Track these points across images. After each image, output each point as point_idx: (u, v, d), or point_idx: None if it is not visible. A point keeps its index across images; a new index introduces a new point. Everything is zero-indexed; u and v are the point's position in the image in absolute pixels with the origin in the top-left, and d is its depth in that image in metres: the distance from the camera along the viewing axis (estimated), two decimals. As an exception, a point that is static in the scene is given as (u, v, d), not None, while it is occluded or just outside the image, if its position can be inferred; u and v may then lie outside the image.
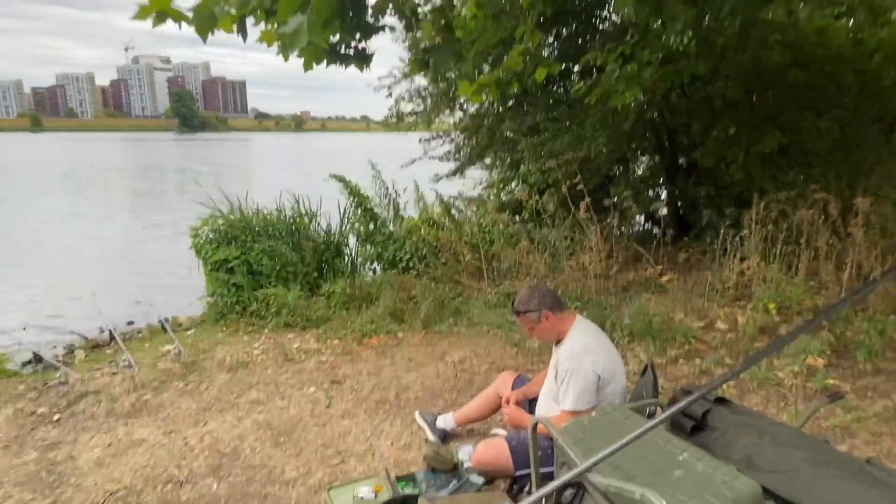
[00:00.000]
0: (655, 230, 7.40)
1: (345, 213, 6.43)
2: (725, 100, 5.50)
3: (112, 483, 2.69)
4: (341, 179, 6.34)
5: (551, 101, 7.04)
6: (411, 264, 5.95)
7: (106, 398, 3.62)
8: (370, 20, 2.44)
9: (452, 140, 8.74)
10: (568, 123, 6.48)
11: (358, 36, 2.47)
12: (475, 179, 9.07)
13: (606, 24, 7.23)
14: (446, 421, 2.87)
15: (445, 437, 2.84)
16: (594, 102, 4.27)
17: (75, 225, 15.12)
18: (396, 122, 8.63)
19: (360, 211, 6.34)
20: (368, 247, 6.35)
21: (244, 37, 2.05)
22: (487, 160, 8.65)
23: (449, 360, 4.00)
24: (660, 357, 3.86)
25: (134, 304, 6.73)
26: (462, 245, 5.82)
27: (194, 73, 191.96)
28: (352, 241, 6.49)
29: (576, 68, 7.32)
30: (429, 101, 8.27)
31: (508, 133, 7.64)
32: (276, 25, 2.09)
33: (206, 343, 4.58)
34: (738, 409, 2.01)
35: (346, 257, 6.43)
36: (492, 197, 7.77)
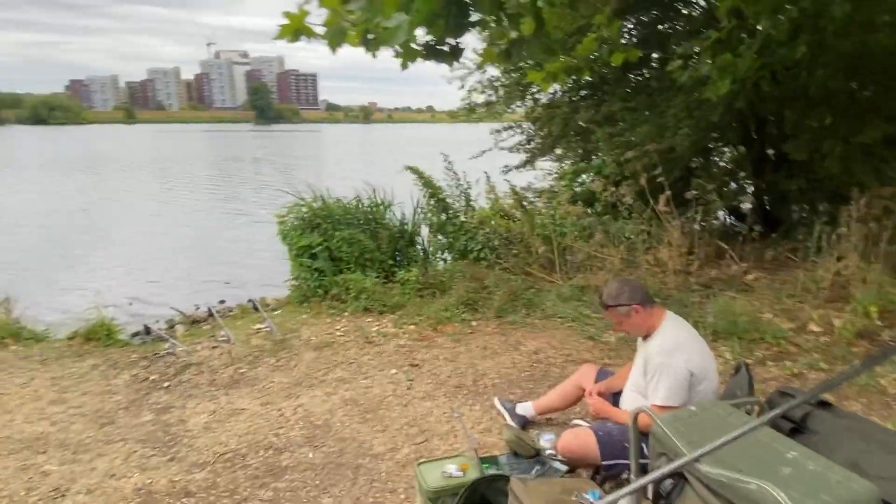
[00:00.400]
0: (739, 226, 7.04)
1: (418, 203, 6.59)
2: (824, 88, 5.13)
3: (219, 446, 2.97)
4: (416, 171, 6.48)
5: (629, 89, 6.84)
6: (482, 255, 6.02)
7: (207, 369, 3.97)
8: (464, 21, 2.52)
9: (523, 131, 8.68)
10: (647, 113, 6.28)
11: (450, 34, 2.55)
12: (546, 170, 8.98)
13: (692, 7, 6.92)
14: (526, 409, 2.93)
15: (525, 424, 2.90)
16: (684, 80, 4.11)
17: (165, 210, 16.41)
18: (469, 113, 8.68)
19: (432, 201, 6.46)
20: (440, 237, 6.47)
21: (371, 50, 2.20)
22: (559, 151, 8.54)
23: (524, 350, 4.05)
24: (746, 358, 3.71)
25: (223, 284, 7.26)
26: (534, 237, 5.82)
27: (270, 66, 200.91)
28: (424, 230, 6.65)
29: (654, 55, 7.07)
30: (500, 91, 8.25)
31: (582, 123, 7.50)
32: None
33: (292, 323, 4.89)
34: (842, 414, 1.94)
35: (419, 246, 6.61)
36: (563, 188, 7.67)
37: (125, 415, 3.42)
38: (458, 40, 2.55)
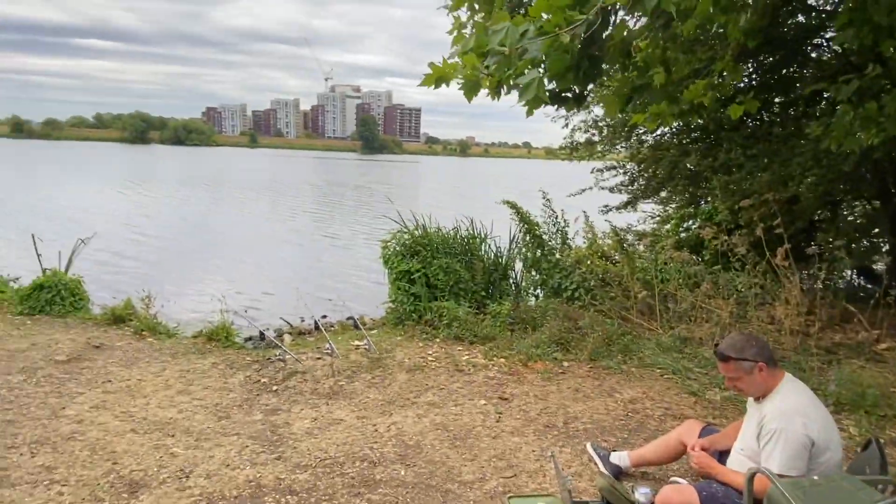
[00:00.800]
0: (871, 288, 6.33)
1: (513, 237, 6.67)
2: None
3: (320, 451, 3.17)
4: (513, 205, 6.59)
5: (746, 136, 6.51)
6: (577, 294, 5.93)
7: (311, 378, 4.26)
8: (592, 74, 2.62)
9: (626, 171, 8.52)
10: (767, 160, 5.93)
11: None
12: (648, 213, 8.71)
13: (821, 51, 6.50)
14: (621, 458, 2.84)
15: (619, 474, 2.81)
16: (833, 147, 3.89)
17: (277, 227, 17.88)
18: (571, 152, 8.70)
19: (528, 237, 6.51)
20: (534, 272, 6.48)
21: (497, 97, 2.39)
22: (664, 194, 8.26)
23: (619, 397, 3.92)
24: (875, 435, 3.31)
25: (326, 300, 7.76)
26: (633, 280, 5.65)
27: (378, 100, 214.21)
28: (518, 265, 6.69)
29: (777, 100, 6.67)
30: (604, 131, 8.20)
31: (691, 167, 7.23)
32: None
33: (387, 343, 5.11)
34: None
35: (512, 280, 6.65)
36: (668, 232, 7.38)
37: (239, 411, 3.76)
38: (581, 89, 2.65)
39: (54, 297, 5.92)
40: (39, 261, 6.75)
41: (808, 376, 4.00)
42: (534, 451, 3.15)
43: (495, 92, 2.29)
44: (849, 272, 6.73)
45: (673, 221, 7.69)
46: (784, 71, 6.62)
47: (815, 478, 1.50)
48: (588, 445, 3.07)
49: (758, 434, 2.14)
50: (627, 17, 2.76)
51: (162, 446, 3.21)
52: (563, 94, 2.57)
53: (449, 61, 2.11)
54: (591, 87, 2.64)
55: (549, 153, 9.55)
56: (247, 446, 3.25)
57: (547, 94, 2.33)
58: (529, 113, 2.32)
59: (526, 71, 2.01)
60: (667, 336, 4.96)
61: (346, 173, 55.54)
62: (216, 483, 2.83)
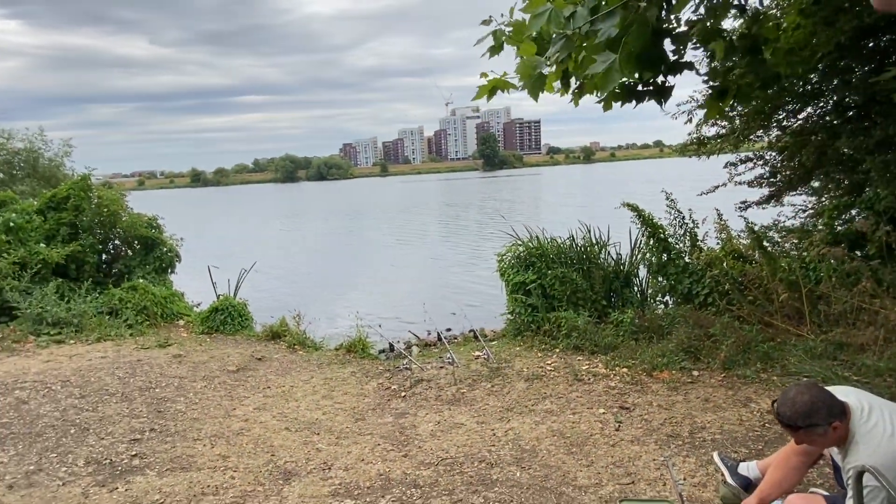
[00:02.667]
0: None
1: (636, 242, 6.42)
2: None
3: (442, 451, 3.40)
4: (634, 208, 6.34)
5: (914, 107, 5.59)
6: (710, 300, 5.52)
7: (435, 386, 4.55)
8: (672, 55, 2.51)
9: (766, 162, 7.72)
10: (940, 134, 5.05)
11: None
12: (796, 206, 7.78)
13: None
14: (749, 469, 2.64)
15: (748, 485, 2.61)
16: None
17: (405, 246, 19.01)
18: (697, 148, 8.13)
19: (651, 241, 6.22)
20: (660, 278, 6.16)
21: (567, 88, 2.34)
22: (815, 183, 7.34)
23: (755, 408, 3.61)
24: None
25: (450, 314, 8.12)
26: (776, 282, 5.12)
27: (497, 117, 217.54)
28: (642, 271, 6.41)
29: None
30: (737, 121, 7.54)
31: (846, 150, 6.36)
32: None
33: (506, 354, 5.25)
34: None
35: (636, 287, 6.39)
36: (821, 227, 6.54)
37: (372, 414, 4.16)
38: (665, 79, 2.55)
39: (226, 318, 7.02)
40: (214, 288, 8.05)
41: None
42: (654, 459, 3.05)
43: (566, 85, 2.26)
44: None
45: (827, 213, 6.80)
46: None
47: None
48: (715, 455, 2.89)
49: (845, 476, 1.88)
50: None
51: (309, 442, 3.69)
52: (642, 89, 2.45)
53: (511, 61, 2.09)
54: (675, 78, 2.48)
55: (680, 151, 8.96)
56: (378, 444, 3.59)
57: (618, 90, 2.27)
58: (607, 107, 2.30)
59: (598, 57, 1.90)
60: (818, 342, 4.42)
61: (466, 192, 57.05)
62: (352, 475, 3.19)
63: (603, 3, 1.88)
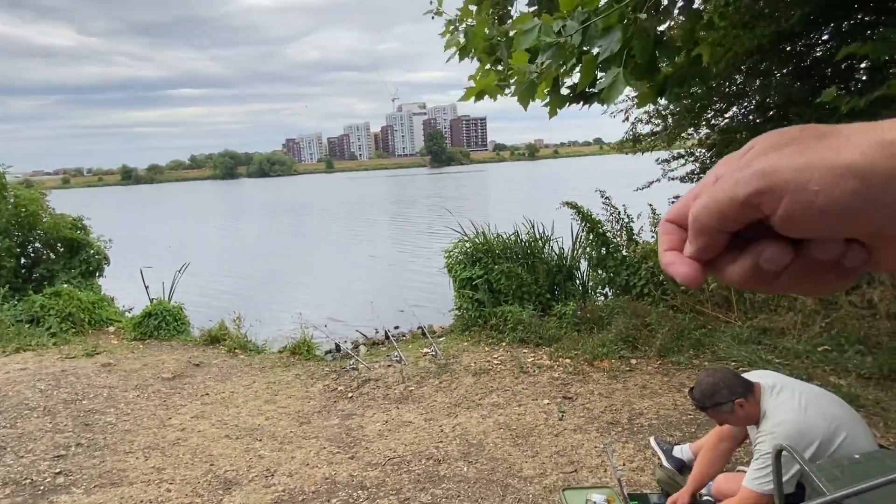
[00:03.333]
0: None
1: (577, 237, 6.61)
2: None
3: (389, 451, 3.37)
4: (573, 206, 6.53)
5: (827, 108, 6.05)
6: (646, 290, 5.77)
7: (382, 385, 4.51)
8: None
9: (697, 159, 8.15)
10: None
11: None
12: (724, 201, 8.26)
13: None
14: (683, 451, 2.78)
15: (682, 467, 2.75)
16: (846, 112, 3.58)
17: (352, 244, 18.75)
18: (633, 145, 8.47)
19: (591, 236, 6.43)
20: (600, 271, 6.38)
21: (559, 105, 2.36)
22: (740, 180, 7.81)
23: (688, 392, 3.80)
24: None
25: (398, 312, 8.08)
26: (706, 272, 5.41)
27: (444, 114, 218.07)
28: (583, 265, 6.61)
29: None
30: (669, 119, 7.92)
31: (766, 147, 6.80)
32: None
33: (454, 349, 5.27)
34: None
35: (577, 280, 6.59)
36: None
37: (318, 417, 4.07)
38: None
39: (160, 322, 6.66)
40: (147, 291, 7.63)
41: (905, 363, 3.67)
42: (595, 447, 3.15)
43: (552, 94, 2.29)
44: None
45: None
46: (868, 31, 6.11)
47: (857, 456, 1.45)
48: (651, 440, 3.03)
49: (755, 448, 2.05)
50: None
51: (251, 449, 3.56)
52: (588, 91, 2.52)
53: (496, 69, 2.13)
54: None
55: (619, 149, 9.30)
56: (324, 448, 3.52)
57: (563, 93, 2.34)
58: (552, 114, 2.36)
59: (607, 73, 1.93)
60: (744, 328, 4.72)
61: (414, 189, 56.94)
62: (297, 480, 3.10)
63: (594, 17, 1.91)
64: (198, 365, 5.43)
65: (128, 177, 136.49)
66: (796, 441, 1.93)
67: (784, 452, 1.43)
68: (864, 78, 6.25)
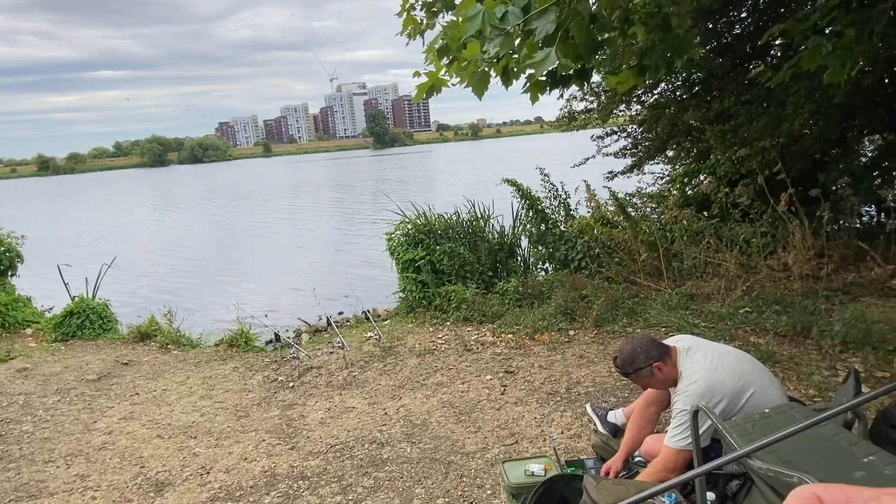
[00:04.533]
0: (891, 222, 6.15)
1: (517, 215, 6.69)
2: None
3: (331, 438, 3.32)
4: (513, 183, 6.60)
5: (745, 83, 6.37)
6: (583, 264, 5.94)
7: (325, 372, 4.42)
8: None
9: (629, 135, 8.41)
10: (765, 105, 5.80)
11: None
12: (655, 174, 8.59)
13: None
14: (616, 416, 2.88)
15: (616, 431, 2.86)
16: (775, 87, 3.78)
17: (294, 231, 18.22)
18: (568, 123, 8.62)
19: (531, 213, 6.52)
20: (540, 247, 6.50)
21: (508, 82, 2.33)
22: (670, 153, 8.13)
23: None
24: (882, 370, 3.29)
25: (343, 297, 7.93)
26: (638, 244, 5.62)
27: (385, 94, 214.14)
28: (524, 241, 6.72)
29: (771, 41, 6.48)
30: (602, 97, 8.10)
31: (692, 122, 7.10)
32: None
33: (399, 332, 5.24)
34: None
35: (519, 257, 6.69)
36: (675, 192, 7.29)
37: (257, 410, 3.94)
38: (585, 63, 2.62)
39: (84, 321, 6.23)
40: (67, 289, 7.10)
41: (815, 318, 3.96)
42: (535, 418, 3.23)
43: (506, 81, 2.26)
44: (869, 208, 6.55)
45: (679, 179, 7.58)
46: (781, 9, 6.43)
47: (767, 410, 1.54)
48: (588, 407, 3.12)
49: (672, 407, 2.18)
50: None
51: (185, 448, 3.41)
52: (564, 74, 2.51)
53: (442, 63, 2.09)
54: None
55: (557, 126, 9.45)
56: (263, 440, 3.42)
57: (544, 77, 2.31)
58: (534, 99, 2.32)
59: (535, 54, 1.92)
60: (674, 294, 4.95)
61: (359, 170, 55.91)
62: (234, 476, 3.00)
63: (534, 1, 1.90)
64: (126, 364, 5.13)
65: (45, 167, 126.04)
66: (708, 398, 2.05)
67: (699, 412, 1.50)
68: (778, 54, 6.60)
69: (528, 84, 2.46)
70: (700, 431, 1.81)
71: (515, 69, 2.27)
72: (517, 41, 2.03)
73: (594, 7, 2.47)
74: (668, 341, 2.28)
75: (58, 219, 28.50)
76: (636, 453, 2.47)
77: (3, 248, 7.30)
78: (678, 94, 7.46)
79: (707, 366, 2.09)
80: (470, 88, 2.24)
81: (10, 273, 7.43)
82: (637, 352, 2.18)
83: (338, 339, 4.90)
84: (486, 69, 2.16)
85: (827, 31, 3.50)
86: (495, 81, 2.41)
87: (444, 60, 2.42)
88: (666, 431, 2.58)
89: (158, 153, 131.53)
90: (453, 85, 2.38)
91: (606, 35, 2.64)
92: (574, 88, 7.99)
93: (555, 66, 1.92)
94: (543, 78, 2.49)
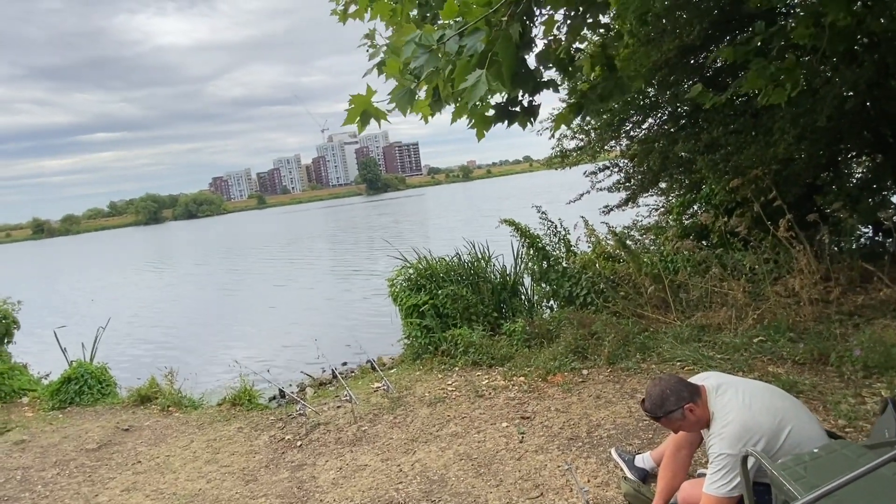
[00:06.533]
0: (889, 242, 6.17)
1: (518, 253, 6.68)
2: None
3: (346, 501, 3.16)
4: (511, 223, 6.61)
5: (732, 113, 6.51)
6: (589, 299, 5.88)
7: (334, 428, 4.27)
8: (535, 75, 2.64)
9: (621, 169, 8.54)
10: (754, 134, 5.92)
11: (522, 93, 2.68)
12: (650, 206, 8.67)
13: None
14: (645, 460, 2.78)
15: (645, 477, 2.74)
16: (709, 107, 3.87)
17: (291, 282, 18.11)
18: (561, 161, 8.76)
19: (531, 251, 6.51)
20: (543, 285, 6.45)
21: (438, 106, 2.33)
22: (662, 185, 8.24)
23: (640, 397, 3.84)
24: (910, 395, 3.20)
25: (345, 347, 7.79)
26: (642, 276, 5.59)
27: (376, 141, 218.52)
28: (527, 280, 6.67)
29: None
30: (592, 134, 8.27)
31: (683, 154, 7.22)
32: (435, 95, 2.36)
33: (406, 380, 5.11)
34: None
35: (522, 296, 6.63)
36: (671, 223, 7.33)
37: (266, 472, 3.78)
38: (532, 99, 2.67)
39: (82, 387, 6.06)
40: (65, 355, 6.95)
41: (832, 344, 3.90)
42: (559, 466, 3.10)
43: (436, 103, 2.27)
44: (867, 230, 6.58)
45: (675, 210, 7.64)
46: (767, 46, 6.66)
47: (816, 450, 1.46)
48: (612, 451, 3.02)
49: (707, 451, 2.09)
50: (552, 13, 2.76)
51: (192, 519, 3.23)
52: (512, 109, 2.56)
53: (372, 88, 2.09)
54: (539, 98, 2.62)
55: (548, 165, 9.61)
56: (275, 506, 3.25)
57: (492, 111, 2.34)
58: (480, 136, 2.33)
59: (468, 76, 1.95)
60: (684, 327, 4.88)
61: (353, 217, 56.27)
62: (246, 548, 2.83)
63: (469, 22, 1.92)
64: (127, 430, 4.95)
65: (40, 230, 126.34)
66: (745, 440, 1.96)
67: (750, 458, 1.42)
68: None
69: (472, 121, 2.48)
70: (738, 476, 1.73)
71: (443, 93, 2.27)
72: (446, 64, 2.04)
73: (536, 36, 2.52)
74: (695, 380, 2.21)
75: (52, 281, 28.28)
76: (671, 501, 2.35)
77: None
78: (666, 127, 7.63)
79: (740, 405, 2.02)
80: (419, 116, 2.25)
81: (5, 340, 7.28)
82: (667, 394, 2.09)
83: (345, 392, 4.77)
84: (413, 87, 2.17)
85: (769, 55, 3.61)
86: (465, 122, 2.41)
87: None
88: (700, 474, 2.48)
89: (153, 210, 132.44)
90: (388, 113, 2.36)
91: (547, 68, 2.70)
92: (564, 126, 8.17)
93: (484, 91, 1.92)
94: (491, 113, 2.51)
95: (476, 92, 1.90)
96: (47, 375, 7.20)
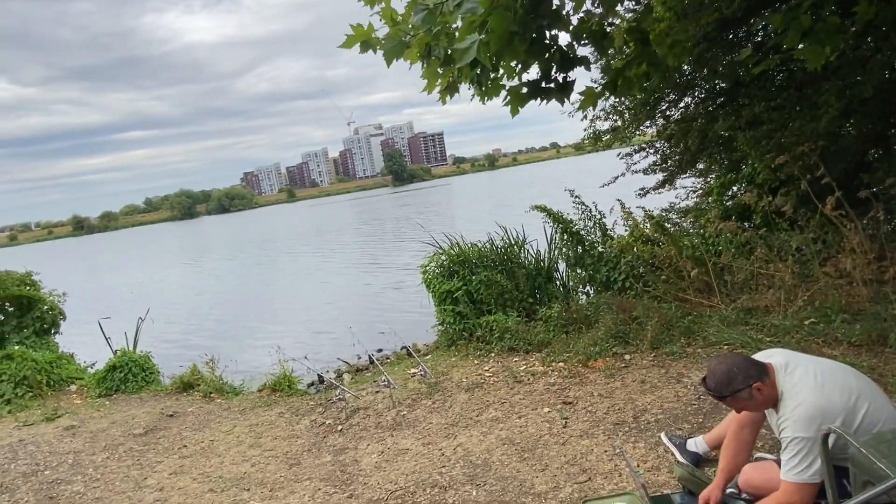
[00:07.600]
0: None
1: (551, 238, 6.56)
2: None
3: (390, 484, 3.16)
4: (543, 209, 6.47)
5: (773, 88, 6.22)
6: (627, 284, 5.74)
7: (373, 413, 4.28)
8: (568, 53, 2.53)
9: (657, 150, 8.29)
10: (798, 109, 5.64)
11: (555, 70, 2.56)
12: (688, 188, 8.41)
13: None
14: (697, 444, 2.68)
15: (698, 461, 2.65)
16: (758, 73, 3.62)
17: (325, 271, 18.36)
18: (594, 143, 8.55)
19: (565, 236, 6.38)
20: (579, 270, 6.32)
21: (427, 62, 2.26)
22: (701, 165, 7.96)
23: (687, 382, 3.73)
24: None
25: (379, 334, 7.84)
26: (683, 260, 5.42)
27: (401, 133, 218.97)
28: (561, 266, 6.55)
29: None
30: (626, 115, 8.03)
31: (723, 132, 6.95)
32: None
33: (442, 366, 5.09)
34: None
35: (558, 282, 6.52)
36: (712, 204, 7.08)
37: (308, 456, 3.82)
38: (566, 75, 2.57)
39: (126, 375, 6.25)
40: (109, 344, 7.18)
41: (889, 325, 3.69)
42: (606, 451, 3.02)
43: (423, 58, 2.19)
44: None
45: (715, 191, 7.38)
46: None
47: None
48: (662, 436, 2.93)
49: (779, 435, 1.97)
50: None
51: (239, 501, 3.29)
52: (546, 86, 2.46)
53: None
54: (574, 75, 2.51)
55: (578, 148, 9.41)
56: (319, 489, 3.28)
57: (525, 88, 2.25)
58: (514, 112, 2.25)
59: (465, 38, 1.89)
60: (730, 310, 4.71)
61: (381, 208, 56.61)
62: (294, 530, 2.86)
63: None
64: (172, 415, 5.07)
65: (80, 227, 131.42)
66: (819, 421, 1.84)
67: (832, 435, 1.33)
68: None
69: (508, 97, 2.41)
70: (816, 458, 1.63)
71: (434, 53, 2.19)
72: (442, 24, 1.97)
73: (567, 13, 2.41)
74: (760, 357, 2.10)
75: (94, 274, 29.37)
76: (731, 487, 2.25)
77: (46, 307, 7.46)
78: (705, 105, 7.35)
79: (812, 384, 1.90)
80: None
81: (53, 331, 7.57)
82: (734, 372, 1.98)
83: (383, 378, 4.78)
84: (404, 39, 2.11)
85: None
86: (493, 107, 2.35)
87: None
88: (760, 457, 2.37)
89: (187, 206, 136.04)
90: (381, 47, 2.29)
91: (581, 44, 2.57)
92: (599, 106, 7.97)
93: (472, 57, 1.86)
94: (525, 91, 2.43)
95: (467, 54, 1.87)
96: (93, 364, 7.45)
